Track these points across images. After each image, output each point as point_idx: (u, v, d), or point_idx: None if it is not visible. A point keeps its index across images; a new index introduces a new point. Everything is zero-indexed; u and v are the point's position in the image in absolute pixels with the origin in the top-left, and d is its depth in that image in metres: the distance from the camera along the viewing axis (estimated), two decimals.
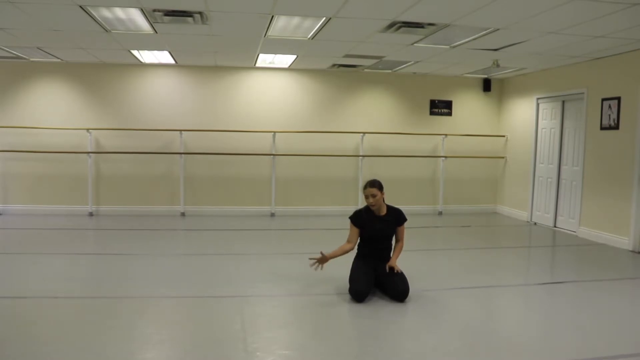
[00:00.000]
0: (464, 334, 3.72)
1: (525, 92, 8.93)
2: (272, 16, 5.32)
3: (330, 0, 4.72)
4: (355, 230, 4.56)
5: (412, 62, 7.89)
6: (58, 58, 8.00)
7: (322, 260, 4.43)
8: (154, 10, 5.15)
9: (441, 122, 9.48)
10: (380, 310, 4.16)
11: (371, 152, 9.17)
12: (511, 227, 8.49)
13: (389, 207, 4.59)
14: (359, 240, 4.64)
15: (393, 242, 4.69)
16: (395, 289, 4.33)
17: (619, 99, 6.78)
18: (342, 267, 5.43)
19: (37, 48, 7.16)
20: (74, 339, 3.48)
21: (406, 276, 4.43)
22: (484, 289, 4.87)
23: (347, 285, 4.51)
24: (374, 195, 4.42)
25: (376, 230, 4.52)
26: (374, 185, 4.46)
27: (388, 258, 4.58)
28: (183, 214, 8.74)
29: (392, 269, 4.43)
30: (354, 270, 4.53)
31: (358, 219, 4.56)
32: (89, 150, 8.47)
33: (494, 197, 9.84)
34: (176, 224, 8.12)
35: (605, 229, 7.02)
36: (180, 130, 8.60)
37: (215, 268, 5.50)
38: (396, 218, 4.58)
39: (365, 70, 8.86)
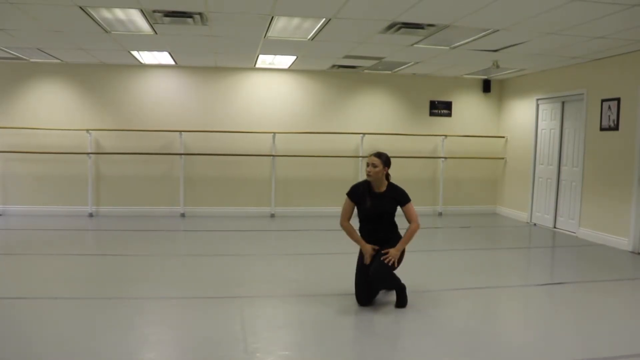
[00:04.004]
0: (464, 335, 3.72)
1: (525, 93, 8.94)
2: (272, 17, 5.32)
3: (330, 1, 4.72)
4: (350, 205, 4.29)
5: (412, 63, 7.89)
6: (58, 59, 8.01)
7: (373, 250, 4.18)
8: (154, 11, 5.15)
9: (441, 123, 9.49)
10: (380, 310, 4.15)
11: (371, 152, 9.13)
12: (511, 228, 8.49)
13: (390, 185, 4.29)
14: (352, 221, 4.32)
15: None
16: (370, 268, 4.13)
17: (618, 99, 6.78)
18: (342, 267, 5.44)
19: (37, 49, 7.17)
20: (74, 340, 3.48)
21: (403, 274, 4.29)
22: (484, 290, 4.87)
23: (347, 286, 4.51)
24: (374, 165, 4.17)
25: (369, 207, 4.20)
26: (379, 156, 4.22)
27: (390, 245, 4.18)
28: (183, 215, 8.74)
29: (385, 253, 4.10)
30: (357, 270, 4.29)
31: (355, 192, 4.28)
32: (89, 151, 8.47)
33: (493, 198, 9.84)
34: (176, 224, 8.12)
35: (605, 229, 7.02)
36: (180, 131, 8.60)
37: (215, 269, 5.50)
38: (395, 196, 4.24)
39: (365, 71, 8.87)
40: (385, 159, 4.25)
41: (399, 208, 4.30)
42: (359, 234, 4.31)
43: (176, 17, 5.31)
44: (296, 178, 9.09)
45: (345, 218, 4.33)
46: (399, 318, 4.04)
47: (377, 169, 4.19)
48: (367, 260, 4.19)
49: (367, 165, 4.24)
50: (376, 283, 4.20)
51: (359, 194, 4.28)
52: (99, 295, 4.49)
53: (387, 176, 4.31)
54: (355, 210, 4.36)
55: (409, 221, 4.25)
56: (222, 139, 8.80)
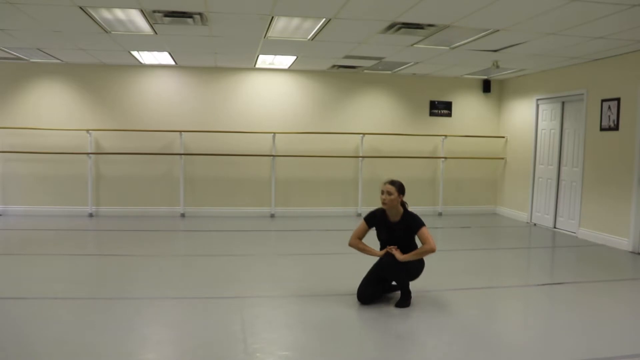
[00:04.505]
0: (464, 335, 3.72)
1: (525, 93, 8.94)
2: (272, 17, 5.32)
3: (330, 1, 4.72)
4: (364, 229, 4.35)
5: (412, 63, 7.89)
6: (58, 59, 8.01)
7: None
8: (154, 12, 5.15)
9: (441, 123, 9.49)
10: (380, 311, 4.15)
11: (371, 153, 9.17)
12: (511, 228, 8.49)
13: (405, 214, 4.25)
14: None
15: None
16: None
17: (618, 100, 6.78)
18: (342, 267, 5.44)
19: (37, 49, 7.17)
20: (74, 340, 3.48)
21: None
22: (484, 290, 4.87)
23: (347, 286, 4.52)
24: (389, 193, 4.15)
25: (385, 239, 4.30)
26: (394, 184, 4.19)
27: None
28: (183, 215, 8.74)
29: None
30: (368, 272, 4.39)
31: (371, 219, 4.35)
32: (89, 151, 8.48)
33: (493, 198, 9.84)
34: (176, 224, 8.12)
35: (605, 229, 7.02)
36: (180, 131, 8.60)
37: (215, 269, 5.50)
38: (409, 226, 4.20)
39: (365, 71, 8.87)
40: (399, 186, 4.20)
41: None
42: (367, 246, 4.33)
43: (176, 17, 5.31)
44: (296, 178, 9.09)
45: (354, 237, 4.36)
46: (400, 318, 4.04)
47: (392, 197, 4.16)
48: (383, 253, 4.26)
49: (382, 193, 4.20)
50: (385, 268, 4.19)
51: (376, 221, 4.33)
52: (99, 295, 4.49)
53: (403, 204, 4.26)
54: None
55: (422, 243, 4.19)
56: (222, 139, 8.80)
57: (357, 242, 4.35)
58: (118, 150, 8.56)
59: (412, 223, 4.20)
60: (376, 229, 4.38)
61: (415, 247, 4.26)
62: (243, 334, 3.64)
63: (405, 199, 4.30)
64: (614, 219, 6.87)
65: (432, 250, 4.12)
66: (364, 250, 4.33)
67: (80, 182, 8.57)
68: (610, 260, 6.17)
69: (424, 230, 4.17)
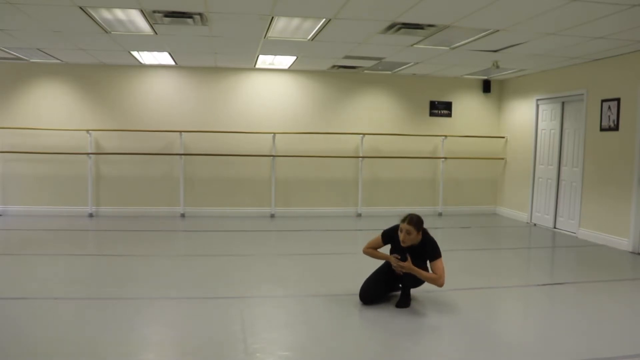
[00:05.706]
0: (464, 335, 3.72)
1: (525, 93, 8.94)
2: (272, 17, 5.32)
3: (330, 2, 4.73)
4: (378, 242, 4.35)
5: (412, 63, 7.89)
6: (58, 59, 8.01)
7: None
8: (154, 12, 5.16)
9: (441, 123, 9.49)
10: (380, 311, 4.15)
11: (371, 153, 9.17)
12: (511, 228, 8.49)
13: (425, 239, 4.18)
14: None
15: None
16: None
17: (618, 100, 6.78)
18: (342, 267, 5.44)
19: (37, 49, 7.17)
20: (74, 340, 3.48)
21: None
22: (484, 290, 4.87)
23: (347, 286, 4.53)
24: (408, 233, 4.08)
25: (399, 259, 4.20)
26: (412, 222, 4.09)
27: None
28: (183, 215, 8.74)
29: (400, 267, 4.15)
30: (375, 272, 4.41)
31: (389, 236, 4.31)
32: (89, 152, 8.48)
33: (493, 198, 9.84)
34: (176, 225, 8.12)
35: (605, 230, 7.02)
36: (180, 132, 8.60)
37: (215, 269, 5.50)
38: (426, 251, 4.15)
39: (365, 71, 8.87)
40: (416, 223, 4.11)
41: None
42: (380, 252, 4.35)
43: (176, 17, 5.31)
44: (296, 178, 9.09)
45: (369, 247, 4.38)
46: (399, 318, 4.04)
47: (411, 236, 4.11)
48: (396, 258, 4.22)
49: (401, 231, 4.14)
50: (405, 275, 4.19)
51: (393, 240, 4.31)
52: (99, 295, 4.49)
53: (425, 231, 4.21)
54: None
55: (433, 272, 4.14)
56: (222, 139, 8.80)
57: (369, 251, 4.38)
58: (118, 151, 8.56)
59: (430, 250, 4.15)
60: (391, 245, 4.36)
61: (424, 270, 4.20)
62: (243, 334, 3.64)
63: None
64: (614, 219, 6.87)
65: (439, 285, 4.07)
66: (377, 256, 4.36)
67: (80, 182, 8.57)
68: (610, 260, 6.17)
69: (439, 262, 4.10)
